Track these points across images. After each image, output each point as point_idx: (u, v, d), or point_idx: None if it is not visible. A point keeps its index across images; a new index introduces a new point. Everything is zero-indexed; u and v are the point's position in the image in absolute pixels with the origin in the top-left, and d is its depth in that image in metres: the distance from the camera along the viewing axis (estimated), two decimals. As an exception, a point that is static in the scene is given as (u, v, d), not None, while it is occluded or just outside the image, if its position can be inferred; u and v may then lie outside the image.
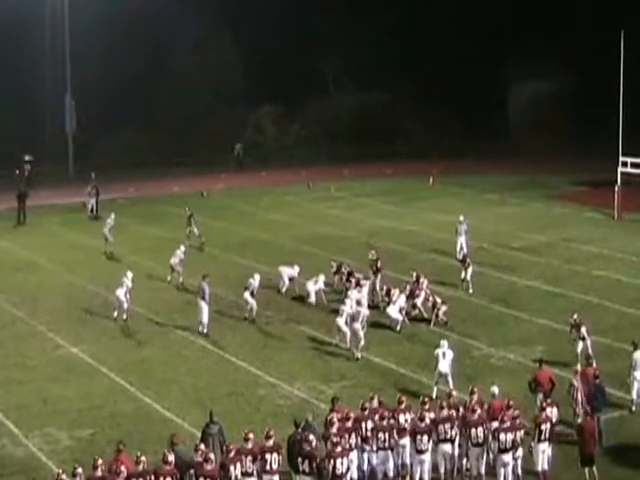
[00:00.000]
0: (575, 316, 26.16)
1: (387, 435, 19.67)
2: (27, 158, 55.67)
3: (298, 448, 18.79)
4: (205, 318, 29.29)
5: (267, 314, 30.92)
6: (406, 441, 19.80)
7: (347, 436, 19.30)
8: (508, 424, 19.39)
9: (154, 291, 33.90)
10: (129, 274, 31.43)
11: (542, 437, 19.68)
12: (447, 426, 19.72)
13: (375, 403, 20.46)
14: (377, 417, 19.88)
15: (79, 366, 26.93)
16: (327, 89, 70.44)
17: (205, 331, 29.20)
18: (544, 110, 63.77)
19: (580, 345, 25.49)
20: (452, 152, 61.56)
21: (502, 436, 19.29)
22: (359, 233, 42.09)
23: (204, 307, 29.34)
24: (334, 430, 19.18)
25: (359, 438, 19.59)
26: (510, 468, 19.50)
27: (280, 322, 30.34)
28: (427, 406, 20.09)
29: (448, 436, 19.68)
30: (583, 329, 25.67)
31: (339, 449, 18.54)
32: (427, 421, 19.66)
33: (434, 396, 23.39)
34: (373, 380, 25.29)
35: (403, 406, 20.34)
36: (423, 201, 49.74)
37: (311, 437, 18.77)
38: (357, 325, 27.52)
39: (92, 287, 34.42)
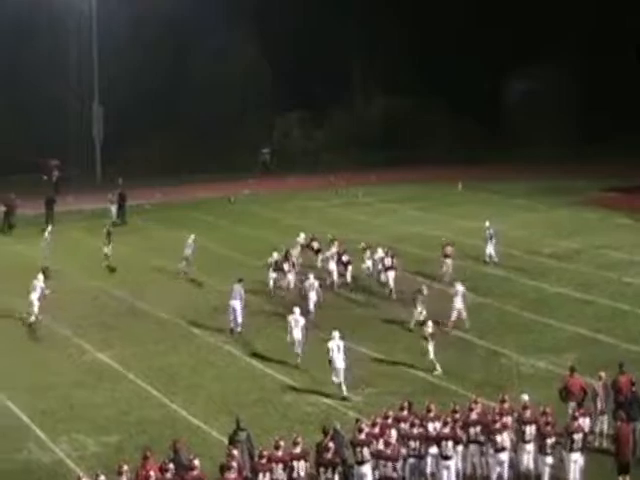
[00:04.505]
0: None
1: (417, 443, 19.55)
2: (55, 164, 55.96)
3: (318, 456, 18.71)
4: (240, 317, 29.49)
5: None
6: (436, 450, 19.69)
7: (375, 442, 19.21)
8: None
9: (180, 297, 33.90)
10: (40, 276, 31.59)
11: (574, 447, 19.47)
12: (477, 429, 19.72)
13: (404, 411, 20.35)
14: (404, 425, 19.78)
15: (106, 372, 26.97)
16: (354, 94, 70.29)
17: (239, 330, 29.30)
18: (570, 115, 63.49)
19: None
20: (480, 157, 61.27)
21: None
22: (385, 239, 41.91)
23: (239, 307, 29.46)
24: (362, 437, 19.10)
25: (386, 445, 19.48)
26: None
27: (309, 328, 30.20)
28: (457, 415, 19.96)
29: (479, 438, 19.71)
30: None
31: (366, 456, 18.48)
32: (452, 426, 19.56)
33: (344, 395, 24.16)
34: (401, 387, 25.11)
35: (432, 414, 20.22)
36: (451, 207, 49.50)
37: (331, 445, 18.66)
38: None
39: (118, 292, 34.48)
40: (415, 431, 19.73)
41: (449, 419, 19.73)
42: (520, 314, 31.36)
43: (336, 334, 25.12)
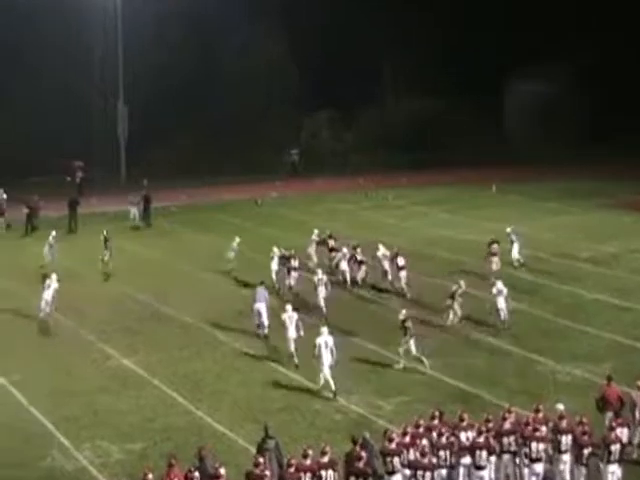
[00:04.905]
0: None
1: (447, 453, 19.39)
2: (78, 165, 56.13)
3: (353, 466, 18.60)
4: (266, 320, 29.49)
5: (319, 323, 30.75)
6: (468, 460, 19.51)
7: (405, 452, 19.07)
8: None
9: (205, 302, 33.89)
10: (54, 276, 31.73)
11: (611, 458, 19.24)
12: (511, 439, 19.57)
13: (435, 420, 20.20)
14: (435, 434, 19.62)
15: (130, 377, 26.97)
16: (383, 94, 70.13)
17: (266, 332, 29.32)
18: (605, 116, 63.11)
19: None
20: (511, 159, 60.96)
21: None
22: (415, 242, 41.83)
23: (264, 310, 29.48)
24: (393, 446, 18.97)
25: (417, 454, 19.32)
26: None
27: (335, 334, 30.04)
28: (491, 424, 19.77)
29: (512, 448, 19.57)
30: None
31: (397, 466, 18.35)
32: (487, 435, 19.39)
33: (320, 384, 24.92)
34: (432, 395, 24.93)
35: (465, 423, 20.04)
36: (482, 209, 49.27)
37: (363, 454, 18.56)
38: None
39: (142, 297, 34.50)
40: (446, 441, 19.56)
41: (483, 428, 19.55)
42: (555, 320, 31.10)
43: (325, 330, 25.60)
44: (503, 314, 29.99)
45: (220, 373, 27.25)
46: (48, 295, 31.29)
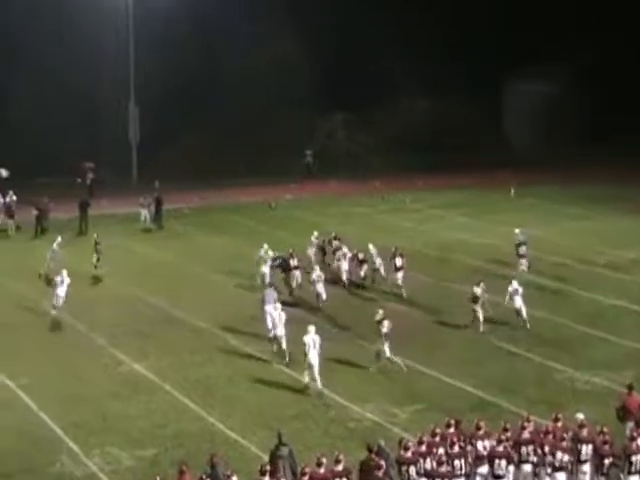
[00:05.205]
0: None
1: (463, 462, 19.30)
2: (89, 166, 56.21)
3: (369, 475, 18.53)
4: (278, 322, 29.00)
5: (335, 330, 30.73)
6: (485, 469, 19.42)
7: (422, 461, 19.00)
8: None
9: (217, 305, 33.87)
10: (64, 272, 32.38)
11: (632, 469, 19.10)
12: (530, 448, 19.45)
13: (450, 428, 20.11)
14: (450, 443, 19.53)
15: (141, 382, 26.96)
16: (399, 95, 69.99)
17: (276, 333, 28.98)
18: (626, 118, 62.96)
19: None
20: (529, 162, 60.80)
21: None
22: (432, 246, 41.76)
23: (274, 312, 29.22)
24: (409, 455, 18.89)
25: (434, 463, 19.24)
26: None
27: (348, 339, 30.06)
28: (509, 433, 19.66)
29: (531, 459, 19.42)
30: None
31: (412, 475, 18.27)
32: (506, 444, 19.29)
33: (305, 382, 25.67)
34: (448, 403, 24.84)
35: (482, 432, 19.94)
36: (500, 213, 49.13)
37: (382, 463, 18.50)
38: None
39: (154, 300, 34.50)
40: (461, 449, 19.46)
41: (503, 437, 19.44)
42: (574, 327, 30.96)
43: (312, 328, 26.14)
44: (523, 312, 30.36)
45: (232, 378, 27.22)
46: (62, 291, 31.94)
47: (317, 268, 34.05)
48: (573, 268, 37.98)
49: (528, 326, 30.23)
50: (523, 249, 36.33)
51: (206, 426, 24.03)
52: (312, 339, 25.83)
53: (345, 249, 36.70)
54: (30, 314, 33.09)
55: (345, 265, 36.10)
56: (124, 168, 60.42)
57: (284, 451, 19.59)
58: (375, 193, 54.67)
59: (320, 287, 33.18)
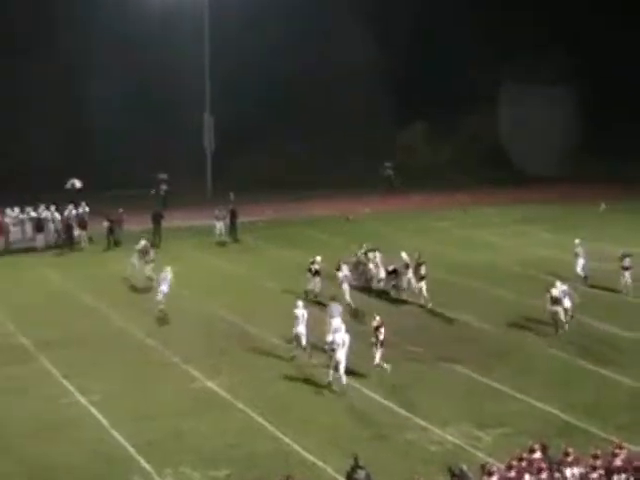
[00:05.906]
0: None
1: (551, 489, 18.95)
2: (163, 177, 56.71)
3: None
4: (344, 335, 28.80)
5: (416, 349, 30.48)
6: (573, 498, 19.04)
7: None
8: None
9: (290, 321, 33.66)
10: (168, 268, 34.73)
11: None
12: (622, 477, 18.98)
13: (537, 454, 19.73)
14: (537, 469, 19.16)
15: (214, 401, 26.96)
16: (480, 105, 69.50)
17: (334, 347, 28.69)
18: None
19: None
20: (622, 176, 59.82)
21: None
22: (513, 262, 41.33)
23: (340, 324, 28.76)
24: (494, 481, 18.60)
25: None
26: None
27: (431, 359, 29.77)
28: (599, 460, 19.23)
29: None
30: None
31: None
32: (600, 472, 18.87)
33: (291, 355, 28.89)
34: (535, 427, 24.38)
35: (570, 458, 19.52)
36: (588, 229, 48.16)
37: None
38: None
39: (229, 316, 34.58)
40: (549, 476, 19.08)
41: (598, 463, 19.01)
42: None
43: (300, 303, 29.54)
44: (566, 313, 30.95)
45: (306, 397, 27.07)
46: (166, 287, 33.87)
47: (345, 267, 35.74)
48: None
49: (566, 328, 30.96)
50: (627, 261, 36.21)
51: (280, 446, 23.90)
52: (301, 313, 29.08)
53: (378, 254, 37.77)
54: (102, 328, 33.40)
55: (379, 272, 37.29)
56: (198, 180, 60.90)
57: (361, 474, 19.39)
58: (456, 206, 54.26)
59: (345, 286, 34.93)
